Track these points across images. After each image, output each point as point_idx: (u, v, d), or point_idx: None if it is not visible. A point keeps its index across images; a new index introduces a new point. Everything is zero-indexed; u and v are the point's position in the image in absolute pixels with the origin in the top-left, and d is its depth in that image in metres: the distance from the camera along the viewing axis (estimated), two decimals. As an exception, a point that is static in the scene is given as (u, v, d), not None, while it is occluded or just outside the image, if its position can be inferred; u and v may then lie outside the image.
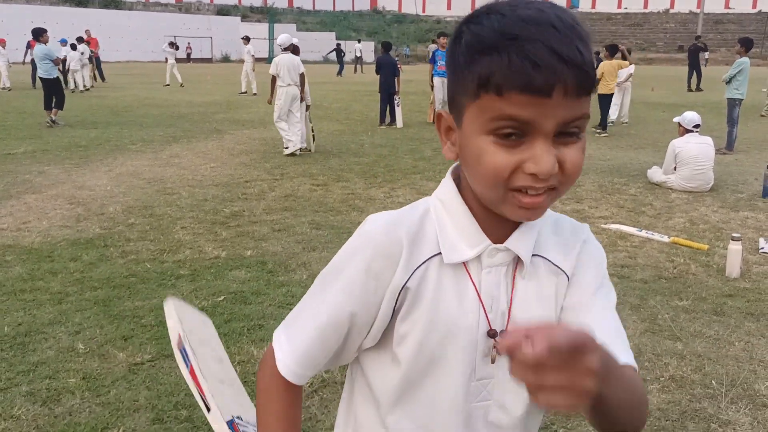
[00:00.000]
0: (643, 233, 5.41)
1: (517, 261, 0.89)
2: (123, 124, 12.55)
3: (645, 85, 22.69)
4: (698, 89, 21.84)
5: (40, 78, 12.52)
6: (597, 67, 11.70)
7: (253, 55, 20.62)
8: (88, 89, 20.94)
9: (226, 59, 53.55)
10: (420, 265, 0.87)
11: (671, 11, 69.20)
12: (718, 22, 63.17)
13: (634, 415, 0.82)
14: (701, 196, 6.83)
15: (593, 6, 73.20)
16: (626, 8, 71.20)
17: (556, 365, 0.59)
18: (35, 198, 6.53)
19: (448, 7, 70.92)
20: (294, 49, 9.50)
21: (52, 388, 2.92)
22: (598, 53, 12.72)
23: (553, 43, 0.72)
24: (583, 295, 0.92)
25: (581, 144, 0.80)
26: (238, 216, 5.92)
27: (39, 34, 12.32)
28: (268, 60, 43.60)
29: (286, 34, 9.70)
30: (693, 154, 6.96)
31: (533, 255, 0.90)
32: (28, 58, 21.79)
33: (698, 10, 49.96)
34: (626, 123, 13.07)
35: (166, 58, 24.73)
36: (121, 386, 2.95)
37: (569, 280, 0.92)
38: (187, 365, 1.31)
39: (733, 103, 9.87)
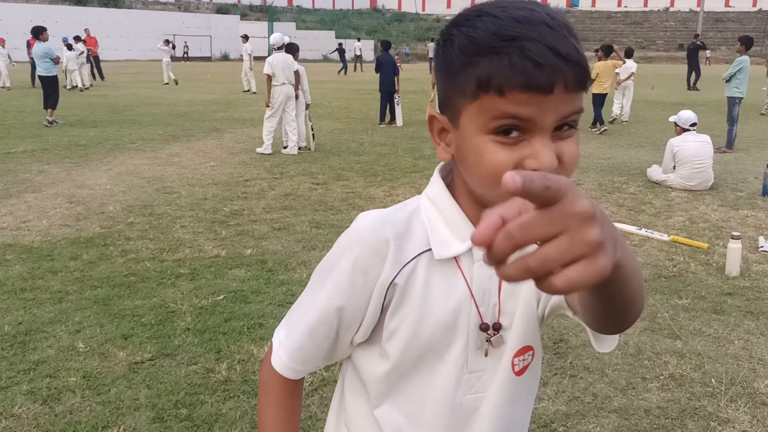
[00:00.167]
0: (643, 232, 5.41)
1: None
2: (122, 123, 12.54)
3: (645, 84, 22.67)
4: (694, 88, 21.81)
5: (39, 76, 12.51)
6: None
7: (250, 54, 20.58)
8: (87, 88, 20.94)
9: (225, 58, 53.53)
10: (408, 262, 0.88)
11: (671, 9, 69.17)
12: (719, 21, 63.14)
13: (640, 296, 0.76)
14: (701, 195, 6.83)
15: (593, 4, 73.15)
16: (626, 6, 71.15)
17: (549, 229, 0.48)
18: (35, 197, 6.53)
19: (448, 6, 70.84)
20: (293, 48, 9.50)
21: (53, 386, 2.93)
22: (597, 50, 12.85)
23: (551, 41, 0.73)
24: None
25: (576, 137, 0.81)
26: (237, 215, 5.92)
27: (39, 33, 12.30)
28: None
29: (278, 34, 9.78)
30: (691, 153, 6.96)
31: None
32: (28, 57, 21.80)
33: (698, 9, 49.92)
34: (626, 122, 13.08)
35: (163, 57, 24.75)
36: (122, 385, 2.95)
37: None
38: None
39: (733, 102, 9.87)
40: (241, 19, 58.32)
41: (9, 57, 21.78)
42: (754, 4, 65.24)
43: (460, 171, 0.87)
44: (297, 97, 9.43)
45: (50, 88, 12.12)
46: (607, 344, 0.90)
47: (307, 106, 9.77)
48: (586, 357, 3.24)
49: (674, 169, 7.14)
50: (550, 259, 0.48)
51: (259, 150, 9.30)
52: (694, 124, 7.23)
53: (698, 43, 23.18)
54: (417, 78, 26.98)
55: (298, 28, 59.44)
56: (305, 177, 7.66)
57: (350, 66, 36.90)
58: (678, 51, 52.60)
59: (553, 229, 0.48)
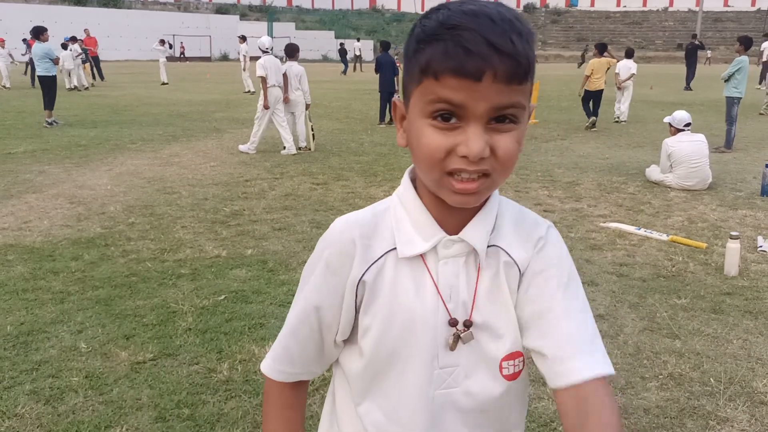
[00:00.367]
0: (642, 232, 5.43)
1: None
2: (122, 123, 12.56)
3: (644, 84, 22.70)
4: (687, 88, 21.81)
5: (39, 76, 12.51)
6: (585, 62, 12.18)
7: (245, 55, 20.58)
8: (86, 88, 20.94)
9: (224, 58, 53.56)
10: (376, 260, 0.91)
11: (670, 9, 69.21)
12: (717, 20, 63.19)
13: None
14: (699, 195, 6.85)
15: (592, 4, 73.19)
16: (625, 6, 71.19)
17: None
18: (36, 197, 6.55)
19: (448, 6, 70.81)
20: (293, 49, 9.52)
21: (55, 386, 2.94)
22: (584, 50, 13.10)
23: (487, 32, 0.77)
24: (545, 298, 0.90)
25: (516, 133, 0.83)
26: (238, 215, 5.94)
27: (39, 33, 12.30)
28: (268, 59, 43.45)
29: (266, 37, 9.93)
30: (686, 153, 6.97)
31: (493, 246, 0.92)
32: (27, 57, 21.77)
33: (697, 8, 49.93)
34: (625, 122, 13.12)
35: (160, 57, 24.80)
36: (124, 385, 2.96)
37: (521, 273, 0.92)
38: None
39: (731, 102, 9.88)
40: (241, 19, 58.35)
41: (11, 56, 21.79)
42: (753, 4, 65.28)
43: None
44: (286, 100, 9.49)
45: (48, 89, 12.12)
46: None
47: (307, 107, 9.79)
48: (585, 356, 3.26)
49: (671, 169, 7.16)
50: None
51: (242, 148, 9.38)
52: (688, 125, 7.25)
53: (696, 42, 23.19)
54: (416, 78, 26.95)
55: (297, 28, 59.50)
56: (305, 177, 7.68)
57: (350, 66, 36.92)
58: (677, 51, 52.62)
59: None
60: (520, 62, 0.79)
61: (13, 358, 3.22)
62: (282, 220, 5.74)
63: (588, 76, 12.12)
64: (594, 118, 12.23)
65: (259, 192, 6.88)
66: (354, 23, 67.87)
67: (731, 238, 4.44)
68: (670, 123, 7.38)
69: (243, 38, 21.49)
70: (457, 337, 0.91)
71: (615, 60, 13.07)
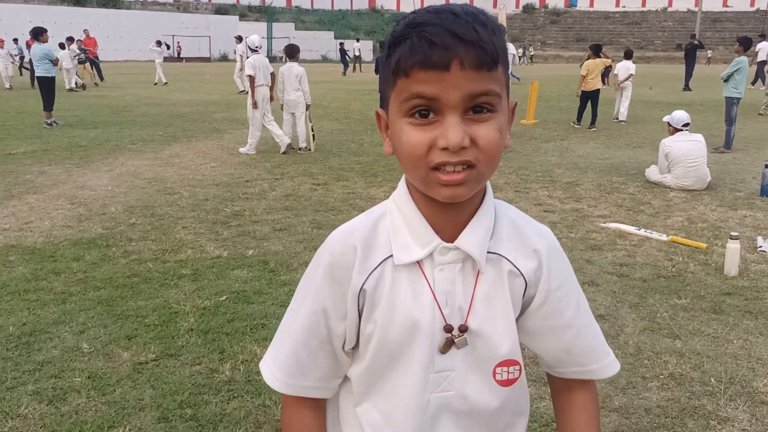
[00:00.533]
0: (642, 232, 5.44)
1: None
2: (122, 124, 12.57)
3: (643, 84, 22.72)
4: (686, 88, 21.84)
5: (38, 77, 12.51)
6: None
7: (241, 55, 20.56)
8: (83, 87, 20.93)
9: (224, 58, 53.54)
10: (375, 268, 0.92)
11: (669, 9, 69.26)
12: (716, 20, 63.24)
13: None
14: (699, 195, 6.87)
15: (591, 5, 73.22)
16: (624, 6, 71.24)
17: None
18: (37, 198, 6.56)
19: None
20: (294, 50, 9.53)
21: (58, 387, 2.95)
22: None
23: (450, 25, 0.80)
24: (564, 317, 0.97)
25: (495, 122, 0.84)
26: (239, 215, 5.94)
27: (39, 34, 12.31)
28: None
29: (255, 35, 9.99)
30: (683, 152, 6.99)
31: (493, 253, 0.93)
32: (27, 58, 21.80)
33: (696, 8, 49.98)
34: (624, 122, 13.15)
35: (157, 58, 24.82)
36: (126, 385, 2.97)
37: (527, 284, 0.95)
38: None
39: (731, 102, 9.90)
40: (240, 20, 58.37)
41: (11, 56, 21.78)
42: (752, 4, 65.35)
43: None
44: (272, 98, 9.58)
45: (47, 90, 12.12)
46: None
47: (308, 107, 9.81)
48: (586, 356, 3.27)
49: (669, 169, 7.17)
50: None
51: (242, 150, 9.43)
52: (687, 124, 7.26)
53: (696, 43, 23.21)
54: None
55: (297, 28, 59.52)
56: (306, 178, 7.69)
57: (349, 66, 36.91)
58: (676, 51, 52.67)
59: None
60: (486, 49, 0.80)
61: (15, 358, 3.23)
62: (283, 221, 5.75)
63: (584, 77, 12.32)
64: (595, 117, 12.41)
65: (260, 192, 6.89)
66: (353, 24, 67.89)
67: (731, 239, 4.45)
68: (668, 122, 7.40)
69: (240, 38, 21.48)
70: (450, 342, 0.92)
71: (610, 59, 13.30)
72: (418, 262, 0.91)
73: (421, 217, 0.92)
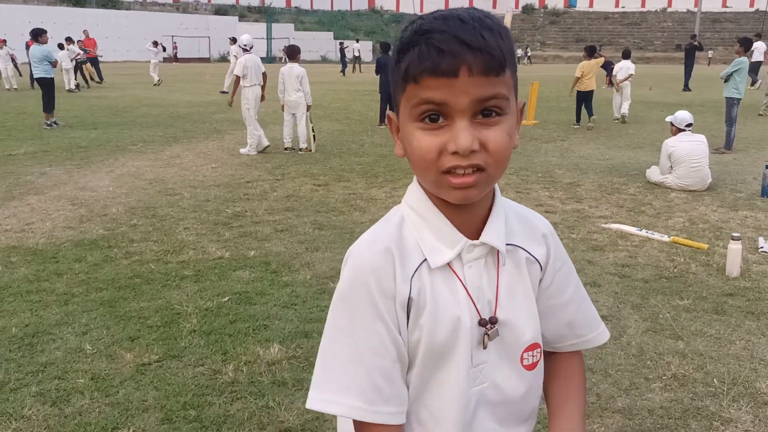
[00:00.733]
0: (643, 233, 5.45)
1: (496, 252, 0.96)
2: (123, 125, 12.56)
3: (643, 84, 22.73)
4: (686, 88, 21.85)
5: (37, 78, 12.50)
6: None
7: (235, 56, 20.56)
8: (78, 87, 20.92)
9: (223, 59, 53.49)
10: (413, 274, 0.92)
11: (669, 10, 69.26)
12: (716, 21, 63.27)
13: None
14: (700, 196, 6.87)
15: (591, 5, 73.23)
16: (624, 7, 71.25)
17: None
18: (38, 199, 6.55)
19: (446, 7, 70.73)
20: (295, 50, 9.54)
21: (62, 388, 2.95)
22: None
23: (457, 31, 0.82)
24: (568, 292, 1.05)
25: (504, 125, 0.86)
26: (240, 216, 5.94)
27: (38, 35, 12.31)
28: (266, 60, 43.57)
29: (246, 35, 10.01)
30: (686, 153, 7.00)
31: (510, 244, 0.98)
32: (8, 57, 21.69)
33: (696, 9, 49.98)
34: (624, 117, 13.24)
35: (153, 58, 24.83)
36: (130, 386, 2.97)
37: (542, 268, 1.02)
38: None
39: (731, 102, 9.90)
40: (240, 20, 58.35)
41: (11, 56, 21.74)
42: (752, 5, 65.38)
43: None
44: (263, 98, 9.62)
45: (47, 90, 12.11)
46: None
47: (308, 108, 9.81)
48: (589, 357, 3.27)
49: (671, 169, 7.18)
50: None
51: (242, 151, 9.46)
52: (689, 125, 7.27)
53: (695, 43, 23.21)
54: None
55: (296, 29, 59.52)
56: (307, 178, 7.69)
57: (349, 67, 36.91)
58: (675, 51, 52.69)
59: None
60: (494, 55, 0.82)
61: (18, 359, 3.23)
62: (284, 222, 5.75)
63: (579, 78, 12.45)
64: (594, 117, 12.52)
65: (261, 193, 6.89)
66: (353, 24, 67.90)
67: (733, 239, 4.45)
68: (671, 122, 7.40)
69: (234, 40, 21.48)
70: (487, 336, 0.96)
71: (603, 58, 13.59)
72: (448, 263, 0.93)
73: (443, 218, 0.93)
